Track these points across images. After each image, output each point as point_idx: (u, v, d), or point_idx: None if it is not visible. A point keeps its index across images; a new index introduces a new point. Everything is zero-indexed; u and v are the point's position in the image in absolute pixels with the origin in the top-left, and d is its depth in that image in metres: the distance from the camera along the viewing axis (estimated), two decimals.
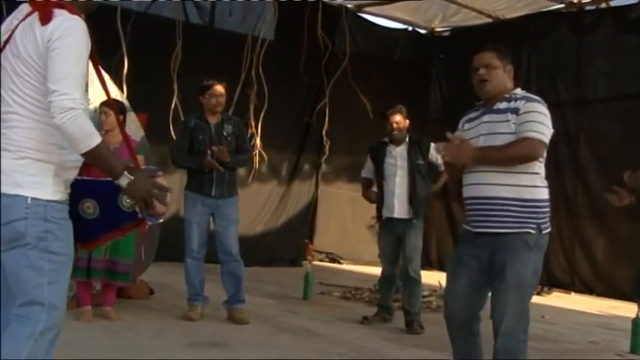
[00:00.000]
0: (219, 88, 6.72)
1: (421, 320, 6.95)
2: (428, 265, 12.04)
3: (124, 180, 2.82)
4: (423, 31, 13.04)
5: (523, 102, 4.16)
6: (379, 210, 7.10)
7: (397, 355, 5.90)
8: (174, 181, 8.44)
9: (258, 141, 10.49)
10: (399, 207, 6.89)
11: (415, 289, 6.96)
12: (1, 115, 2.82)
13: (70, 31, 2.77)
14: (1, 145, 2.80)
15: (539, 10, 11.22)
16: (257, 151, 10.55)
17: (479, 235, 4.23)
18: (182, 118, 8.43)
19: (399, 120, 6.96)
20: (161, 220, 3.21)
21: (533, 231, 4.10)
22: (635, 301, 6.61)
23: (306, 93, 11.52)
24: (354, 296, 8.70)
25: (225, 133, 6.69)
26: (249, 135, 10.13)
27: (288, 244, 11.35)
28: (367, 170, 7.29)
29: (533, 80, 11.29)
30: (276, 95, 10.50)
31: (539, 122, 4.11)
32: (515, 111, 4.14)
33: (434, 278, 8.92)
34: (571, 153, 10.37)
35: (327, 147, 11.45)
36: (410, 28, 12.95)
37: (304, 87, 11.40)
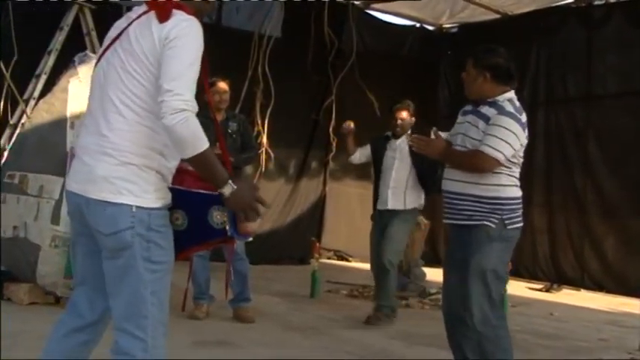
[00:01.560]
0: (223, 85, 6.72)
1: (393, 312, 6.96)
2: (436, 262, 12.00)
3: (228, 189, 2.71)
4: (430, 28, 13.02)
5: (495, 112, 4.37)
6: (375, 204, 7.08)
7: (404, 354, 5.89)
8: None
9: (264, 139, 10.48)
10: (392, 200, 6.88)
11: (386, 279, 6.92)
12: (106, 116, 2.76)
13: (188, 31, 2.73)
14: (102, 148, 2.74)
15: (547, 6, 11.16)
16: (264, 149, 10.54)
17: (452, 228, 4.56)
18: None
19: (404, 116, 6.95)
20: (250, 239, 3.15)
21: (493, 225, 4.30)
22: None
23: (313, 90, 11.50)
24: (362, 294, 8.70)
25: (229, 131, 6.67)
26: (255, 133, 10.15)
27: (296, 242, 11.33)
28: (360, 152, 7.24)
29: (542, 76, 11.26)
30: (282, 93, 10.49)
31: (499, 138, 4.27)
32: (487, 119, 4.34)
33: (439, 276, 8.91)
34: (580, 150, 10.31)
35: (334, 144, 11.43)
36: (417, 25, 12.93)
37: (311, 84, 11.38)
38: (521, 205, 4.44)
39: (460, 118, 4.60)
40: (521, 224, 4.44)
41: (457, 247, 4.51)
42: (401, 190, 6.87)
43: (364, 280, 9.26)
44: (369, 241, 7.25)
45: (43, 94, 7.29)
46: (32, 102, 7.58)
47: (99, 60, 2.93)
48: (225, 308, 6.72)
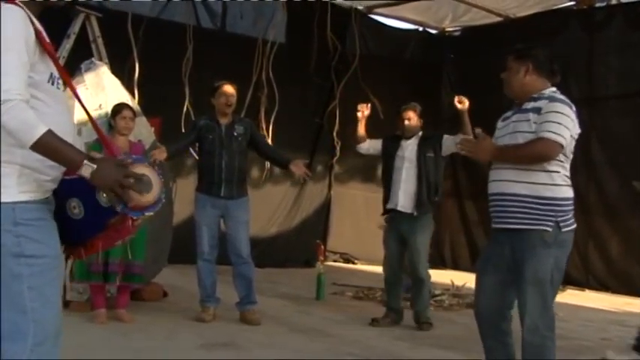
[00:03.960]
0: (229, 88, 6.76)
1: (430, 318, 6.96)
2: (441, 264, 12.05)
3: (87, 170, 2.54)
4: (433, 31, 13.03)
5: (546, 102, 4.18)
6: (384, 203, 7.10)
7: (408, 355, 5.89)
8: (187, 184, 8.49)
9: (270, 142, 10.50)
10: (403, 200, 6.85)
11: (422, 289, 6.96)
12: None
13: None
14: None
15: (549, 8, 11.17)
16: None
17: (500, 232, 4.30)
18: None
19: (410, 116, 6.98)
20: (150, 214, 2.88)
21: (549, 228, 4.12)
22: None
23: (317, 94, 11.54)
24: (367, 296, 8.71)
25: (235, 134, 6.70)
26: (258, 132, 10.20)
27: (301, 245, 11.35)
28: (370, 143, 7.25)
29: None
30: (287, 97, 10.52)
31: (557, 122, 4.10)
32: (538, 110, 4.17)
33: (447, 277, 8.91)
34: (583, 151, 10.30)
35: (338, 148, 11.47)
36: (420, 29, 12.95)
37: (315, 89, 11.41)
38: (573, 206, 4.26)
39: (500, 124, 4.43)
40: (575, 226, 4.26)
41: (501, 251, 4.30)
42: (412, 191, 6.89)
43: (370, 283, 9.29)
44: (383, 244, 7.23)
45: None
46: None
47: None
48: (232, 311, 6.76)
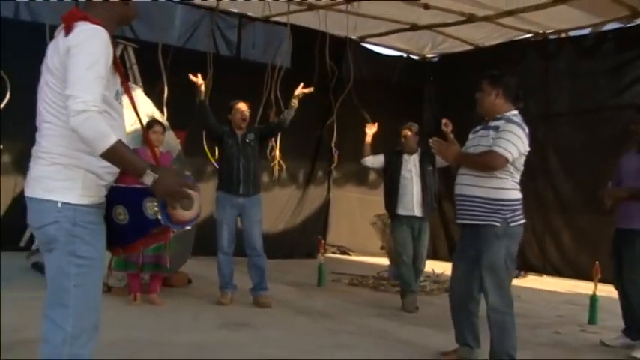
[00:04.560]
0: (243, 105, 6.80)
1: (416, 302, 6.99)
2: (434, 256, 12.00)
3: (149, 178, 2.46)
4: (416, 58, 13.03)
5: (504, 122, 4.33)
6: (392, 208, 7.08)
7: (398, 332, 5.91)
8: (208, 187, 8.48)
9: (277, 153, 10.53)
10: (417, 207, 6.95)
11: (418, 278, 7.21)
12: (39, 125, 2.60)
13: (86, 39, 2.47)
14: (36, 153, 2.59)
15: (511, 39, 11.23)
16: (277, 162, 10.59)
17: (465, 228, 4.49)
18: None
19: (408, 134, 7.09)
20: (188, 228, 2.80)
21: (498, 224, 4.27)
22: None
23: (318, 111, 11.51)
24: (361, 282, 8.72)
25: (247, 141, 6.75)
26: (269, 147, 10.21)
27: (305, 239, 11.35)
28: (374, 158, 7.28)
29: None
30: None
31: (508, 140, 4.28)
32: (497, 129, 4.32)
33: (428, 266, 8.91)
34: (541, 159, 10.35)
35: (336, 156, 11.48)
36: (405, 55, 12.95)
37: (316, 106, 11.35)
38: (521, 205, 4.39)
39: (471, 136, 4.58)
40: (523, 221, 4.38)
41: (468, 244, 4.46)
42: (419, 199, 6.96)
43: (363, 271, 9.31)
44: (394, 239, 7.29)
45: None
46: None
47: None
48: (247, 295, 6.77)
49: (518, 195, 4.40)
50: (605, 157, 8.50)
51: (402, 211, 6.99)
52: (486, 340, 4.53)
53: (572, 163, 10.36)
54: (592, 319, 6.73)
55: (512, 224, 4.32)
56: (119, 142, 2.43)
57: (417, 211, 6.96)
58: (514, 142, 4.28)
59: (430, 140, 4.74)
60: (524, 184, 4.54)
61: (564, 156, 10.51)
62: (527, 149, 4.38)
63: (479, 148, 4.42)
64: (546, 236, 10.67)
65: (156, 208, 2.58)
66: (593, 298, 6.75)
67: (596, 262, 6.71)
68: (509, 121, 4.35)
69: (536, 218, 10.39)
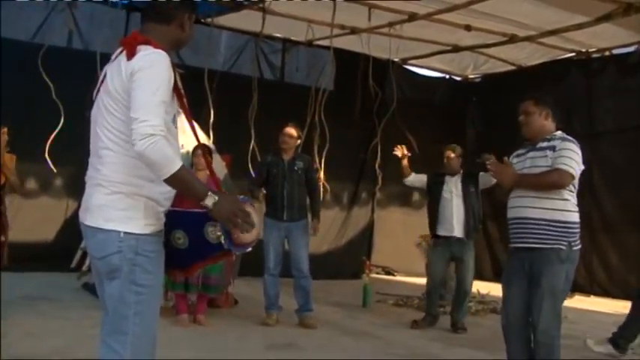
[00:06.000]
0: (289, 130, 6.79)
1: (465, 324, 6.86)
2: None
3: (210, 200, 2.44)
4: (458, 79, 12.94)
5: (560, 141, 4.26)
6: (433, 229, 7.03)
7: (443, 354, 5.82)
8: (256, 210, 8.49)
9: (322, 174, 10.50)
10: (457, 228, 6.86)
11: (465, 300, 7.03)
12: (98, 152, 2.56)
13: (151, 63, 2.47)
14: (96, 181, 2.55)
15: (554, 58, 11.06)
16: (321, 183, 10.57)
17: (520, 250, 4.29)
18: (259, 159, 8.56)
19: (451, 156, 7.06)
20: (249, 250, 2.79)
21: (564, 247, 4.15)
22: None
23: (362, 134, 11.51)
24: (406, 303, 8.60)
25: (295, 168, 6.72)
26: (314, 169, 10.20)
27: (350, 260, 11.28)
28: (414, 177, 7.32)
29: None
30: (336, 136, 10.48)
31: (570, 157, 4.17)
32: (553, 148, 4.23)
33: (473, 287, 8.77)
34: (586, 178, 10.14)
35: (379, 178, 11.41)
36: (447, 77, 12.87)
37: (359, 129, 11.39)
38: (580, 228, 4.27)
39: (515, 160, 4.44)
40: (580, 245, 4.26)
41: (520, 266, 4.29)
42: (462, 220, 6.87)
43: (408, 292, 9.20)
44: (429, 259, 7.26)
45: None
46: None
47: (93, 103, 2.69)
48: (292, 316, 6.74)
49: (578, 217, 4.27)
50: None
51: (441, 232, 6.93)
52: None
53: (618, 181, 10.15)
54: None
55: (574, 248, 4.21)
56: (183, 166, 2.43)
57: (458, 232, 6.86)
58: (576, 159, 4.19)
59: (487, 162, 4.59)
60: None
61: (609, 174, 10.31)
62: (583, 167, 4.25)
63: (535, 169, 4.28)
64: (593, 256, 10.42)
65: (218, 233, 2.56)
66: None
67: None
68: (564, 139, 4.27)
69: (583, 238, 10.17)
